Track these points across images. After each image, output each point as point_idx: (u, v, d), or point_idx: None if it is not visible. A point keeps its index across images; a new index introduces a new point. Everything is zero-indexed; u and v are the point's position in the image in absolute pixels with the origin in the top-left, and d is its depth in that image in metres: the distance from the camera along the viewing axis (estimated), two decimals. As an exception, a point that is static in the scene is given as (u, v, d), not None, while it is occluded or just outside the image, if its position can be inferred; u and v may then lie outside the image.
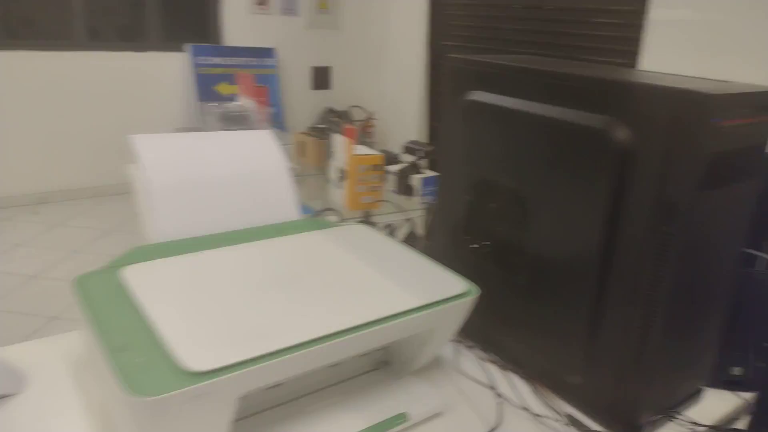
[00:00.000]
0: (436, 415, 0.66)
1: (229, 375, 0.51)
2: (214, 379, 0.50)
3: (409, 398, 0.67)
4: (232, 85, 3.71)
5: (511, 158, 0.74)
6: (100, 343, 0.54)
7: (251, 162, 0.85)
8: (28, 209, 3.36)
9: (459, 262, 0.80)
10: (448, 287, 0.68)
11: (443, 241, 0.86)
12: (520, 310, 0.75)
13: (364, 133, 4.19)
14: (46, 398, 0.65)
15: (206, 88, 3.73)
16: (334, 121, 1.41)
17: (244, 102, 2.29)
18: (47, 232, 3.10)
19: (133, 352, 0.53)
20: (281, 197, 0.85)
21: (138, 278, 0.64)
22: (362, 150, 1.38)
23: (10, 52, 3.25)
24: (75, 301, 0.61)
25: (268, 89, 2.28)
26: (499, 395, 0.70)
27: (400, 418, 0.63)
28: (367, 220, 0.98)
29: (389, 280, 0.67)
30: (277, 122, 3.83)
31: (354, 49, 4.31)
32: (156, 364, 0.51)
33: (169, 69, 3.73)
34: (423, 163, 1.47)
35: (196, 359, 0.51)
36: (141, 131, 0.81)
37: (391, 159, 1.50)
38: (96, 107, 3.54)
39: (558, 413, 0.68)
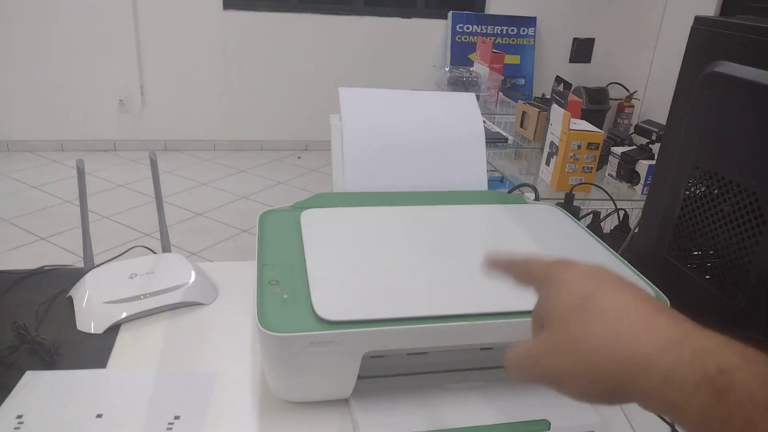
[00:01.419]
0: (585, 434, 0.57)
1: (353, 330, 0.50)
2: (337, 330, 0.50)
3: (559, 406, 0.58)
4: (487, 54, 3.69)
5: (755, 149, 0.58)
6: (257, 273, 0.58)
7: (447, 125, 0.82)
8: (294, 154, 3.86)
9: (662, 268, 0.67)
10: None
11: (648, 241, 0.73)
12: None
13: (621, 113, 3.83)
14: (226, 314, 0.73)
15: (461, 55, 3.78)
16: (559, 91, 1.29)
17: (478, 68, 2.26)
18: (304, 175, 3.54)
19: (280, 288, 0.56)
20: (471, 165, 0.81)
21: (310, 222, 0.67)
22: (581, 125, 1.24)
23: (303, 15, 3.70)
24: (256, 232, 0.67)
25: (504, 56, 2.19)
26: (674, 427, 0.58)
27: (542, 425, 0.56)
28: (569, 203, 0.88)
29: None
30: (525, 94, 3.71)
31: (623, 20, 3.91)
32: (295, 304, 0.53)
33: (430, 35, 3.86)
34: (656, 147, 1.26)
35: (327, 308, 0.52)
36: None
37: (621, 140, 1.32)
38: (360, 67, 3.84)
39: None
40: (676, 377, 0.28)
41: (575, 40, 3.95)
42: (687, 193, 0.66)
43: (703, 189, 0.64)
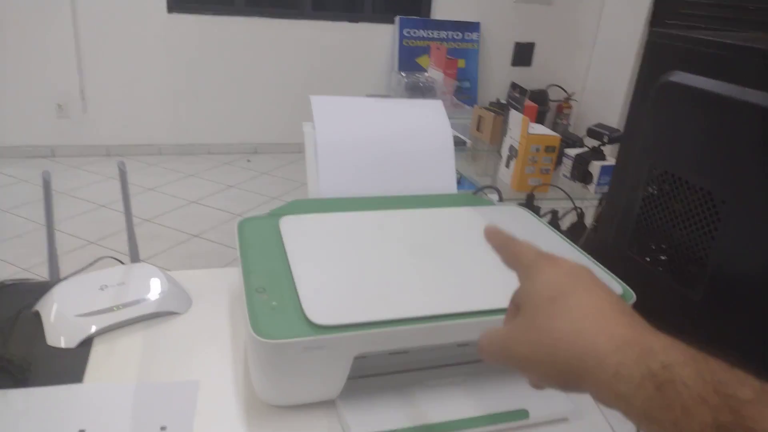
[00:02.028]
0: (561, 420, 0.60)
1: (346, 333, 0.51)
2: (331, 335, 0.51)
3: (535, 395, 0.61)
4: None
5: (709, 152, 0.63)
6: (243, 282, 0.58)
7: (417, 131, 0.84)
8: (244, 157, 3.81)
9: (623, 263, 0.71)
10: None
11: (608, 238, 0.77)
12: (685, 329, 0.64)
13: (560, 114, 3.98)
14: (202, 322, 0.72)
15: (409, 59, 3.83)
16: (515, 96, 1.35)
17: (433, 74, 2.31)
18: (255, 179, 3.49)
19: (268, 296, 0.56)
20: (441, 169, 0.83)
21: (290, 228, 0.68)
22: (538, 129, 1.30)
23: (250, 19, 3.65)
24: (235, 241, 0.67)
25: (457, 62, 2.25)
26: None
27: (521, 414, 0.59)
28: (530, 203, 0.92)
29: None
30: (470, 97, 3.80)
31: (561, 25, 4.07)
32: (285, 311, 0.54)
33: (377, 40, 3.89)
34: (607, 149, 1.33)
35: (319, 313, 0.52)
36: (340, 95, 0.85)
37: (573, 142, 1.39)
38: (307, 71, 3.83)
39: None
40: (624, 373, 0.31)
41: (517, 44, 4.08)
42: (645, 193, 0.70)
43: (660, 189, 0.69)
